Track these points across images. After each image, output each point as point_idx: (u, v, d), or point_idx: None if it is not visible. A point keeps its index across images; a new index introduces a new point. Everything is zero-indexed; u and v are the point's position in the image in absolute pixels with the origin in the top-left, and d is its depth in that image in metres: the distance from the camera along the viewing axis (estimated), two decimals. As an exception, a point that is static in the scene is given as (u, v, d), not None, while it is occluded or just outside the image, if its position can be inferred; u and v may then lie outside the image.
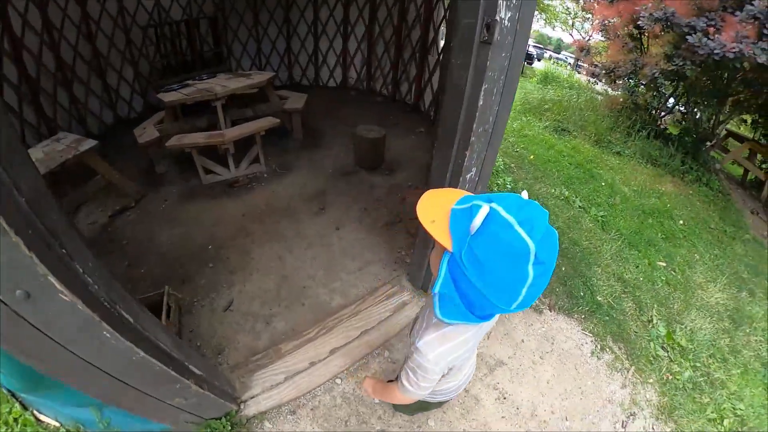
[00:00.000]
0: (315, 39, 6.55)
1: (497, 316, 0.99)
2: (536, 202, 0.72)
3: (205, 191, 3.76)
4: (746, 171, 6.47)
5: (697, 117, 6.92)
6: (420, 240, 2.32)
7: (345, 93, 6.64)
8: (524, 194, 0.77)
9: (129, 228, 3.30)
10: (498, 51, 1.45)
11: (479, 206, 0.71)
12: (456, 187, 1.76)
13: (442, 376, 1.06)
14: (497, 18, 1.37)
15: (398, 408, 1.86)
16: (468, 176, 1.73)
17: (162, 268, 2.86)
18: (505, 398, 2.17)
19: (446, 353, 0.96)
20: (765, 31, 4.29)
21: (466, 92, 1.53)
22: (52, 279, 0.87)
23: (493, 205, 0.69)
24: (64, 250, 0.95)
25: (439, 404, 1.50)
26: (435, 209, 0.82)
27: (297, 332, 2.36)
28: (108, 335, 1.06)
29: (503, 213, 0.67)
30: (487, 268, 0.70)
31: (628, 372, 2.46)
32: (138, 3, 5.21)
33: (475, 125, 1.54)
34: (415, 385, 1.04)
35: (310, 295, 2.64)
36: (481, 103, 1.50)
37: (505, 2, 1.36)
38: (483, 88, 1.48)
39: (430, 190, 0.90)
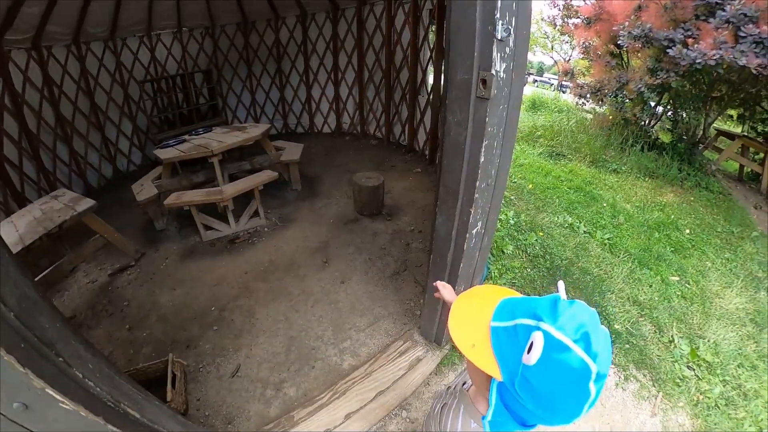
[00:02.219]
0: (307, 87, 6.73)
1: None
2: (583, 304, 0.65)
3: (206, 249, 3.73)
4: (741, 166, 6.49)
5: (686, 122, 6.99)
6: (429, 293, 2.24)
7: (340, 138, 6.76)
8: (561, 287, 0.71)
9: (129, 288, 3.26)
10: (496, 105, 1.43)
11: (526, 328, 0.64)
12: (463, 242, 1.73)
13: None
14: (493, 72, 1.35)
15: None
16: (474, 231, 1.69)
17: (164, 331, 2.80)
18: (531, 447, 2.06)
19: None
20: (741, 34, 4.39)
21: (466, 149, 1.51)
22: (50, 391, 0.83)
23: (543, 325, 0.62)
24: (61, 358, 0.92)
25: None
26: (471, 329, 0.74)
27: (309, 398, 2.26)
28: (115, 436, 1.01)
29: (556, 334, 0.61)
30: (545, 398, 0.64)
31: (656, 399, 2.36)
32: (135, 58, 5.39)
33: (478, 182, 1.51)
34: None
35: (319, 357, 2.54)
36: (482, 159, 1.47)
37: (499, 54, 1.35)
38: (483, 145, 1.46)
39: (458, 301, 0.83)
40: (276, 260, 3.53)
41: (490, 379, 0.72)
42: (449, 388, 1.16)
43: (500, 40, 1.34)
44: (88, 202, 3.25)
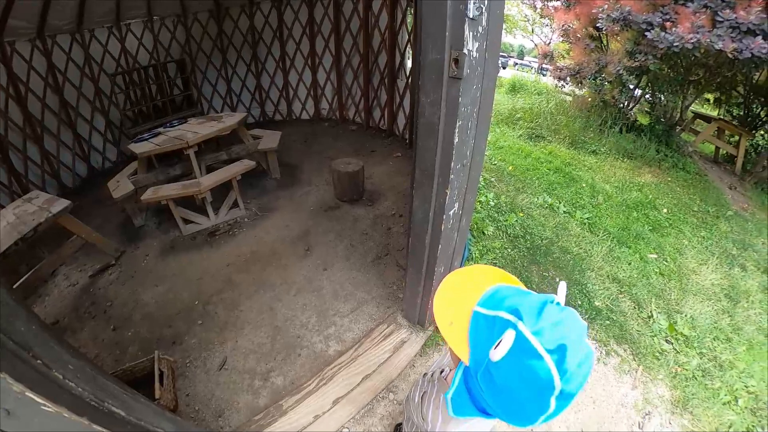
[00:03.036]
0: (284, 73, 6.58)
1: None
2: (574, 314, 0.61)
3: (187, 243, 3.67)
4: (717, 148, 6.72)
5: (664, 104, 7.13)
6: (410, 275, 2.26)
7: (319, 125, 6.67)
8: (561, 289, 0.66)
9: (112, 288, 3.19)
10: (469, 84, 1.43)
11: (504, 323, 0.61)
12: (440, 223, 1.73)
13: None
14: (465, 51, 1.34)
15: None
16: (451, 212, 1.70)
17: (150, 329, 2.76)
18: (517, 423, 2.12)
19: None
20: (718, 19, 4.47)
21: (440, 130, 1.51)
22: (30, 394, 0.80)
23: (521, 326, 0.59)
24: (39, 361, 0.90)
25: None
26: (455, 306, 0.72)
27: (297, 386, 2.28)
28: (102, 436, 1.00)
29: (531, 339, 0.57)
30: (503, 396, 0.62)
31: (636, 372, 2.45)
32: (104, 50, 5.16)
33: (452, 163, 1.51)
34: None
35: (305, 345, 2.55)
36: (456, 140, 1.47)
37: (471, 33, 1.34)
38: (457, 125, 1.46)
39: (452, 275, 0.80)
40: (257, 251, 3.50)
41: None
42: (426, 375, 1.16)
43: (472, 19, 1.33)
44: (62, 203, 3.15)
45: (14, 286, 2.98)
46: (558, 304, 0.63)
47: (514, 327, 0.60)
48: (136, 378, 2.22)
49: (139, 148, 3.76)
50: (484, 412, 0.72)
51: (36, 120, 4.54)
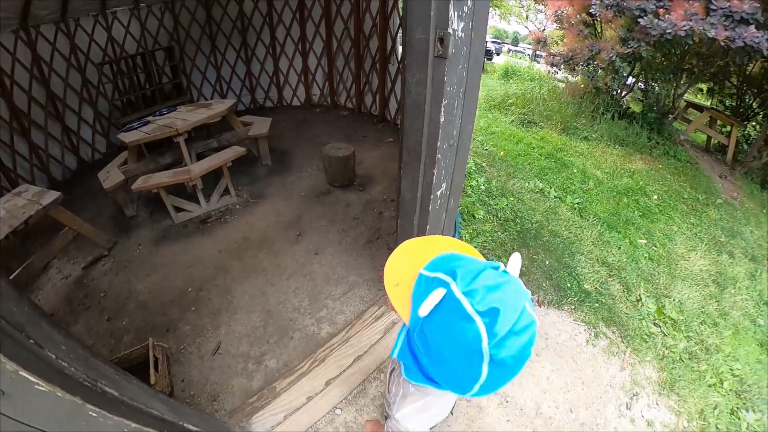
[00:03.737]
0: (274, 59, 6.51)
1: None
2: (516, 281, 0.61)
3: (179, 231, 3.66)
4: (709, 137, 6.78)
5: (657, 92, 7.15)
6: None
7: (310, 111, 6.62)
8: (514, 258, 0.66)
9: (105, 279, 3.18)
10: (454, 64, 1.43)
11: (440, 282, 0.62)
12: (428, 205, 1.75)
13: None
14: (450, 30, 1.34)
15: None
16: (439, 192, 1.71)
17: (144, 317, 2.77)
18: (507, 402, 2.16)
19: (426, 422, 0.90)
20: (712, 7, 4.47)
21: (426, 109, 1.51)
22: (23, 373, 0.82)
23: (453, 286, 0.59)
24: (32, 341, 0.91)
25: None
26: (403, 269, 0.73)
27: (290, 368, 2.30)
28: (94, 414, 0.99)
29: (461, 298, 0.57)
30: (435, 356, 0.63)
31: (624, 354, 2.50)
32: (90, 39, 5.06)
33: (439, 143, 1.52)
34: None
35: (297, 328, 2.58)
36: (442, 119, 1.48)
37: (456, 13, 1.34)
38: (443, 104, 1.46)
39: (410, 241, 0.81)
40: (249, 237, 3.50)
41: None
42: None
43: (457, -1, 1.33)
44: (53, 195, 3.10)
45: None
46: (505, 272, 0.62)
47: (447, 286, 0.60)
48: (132, 366, 2.23)
49: (128, 137, 3.72)
50: (432, 381, 0.72)
51: (23, 113, 4.45)
